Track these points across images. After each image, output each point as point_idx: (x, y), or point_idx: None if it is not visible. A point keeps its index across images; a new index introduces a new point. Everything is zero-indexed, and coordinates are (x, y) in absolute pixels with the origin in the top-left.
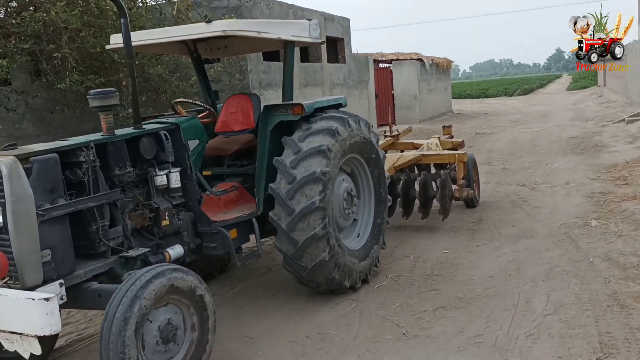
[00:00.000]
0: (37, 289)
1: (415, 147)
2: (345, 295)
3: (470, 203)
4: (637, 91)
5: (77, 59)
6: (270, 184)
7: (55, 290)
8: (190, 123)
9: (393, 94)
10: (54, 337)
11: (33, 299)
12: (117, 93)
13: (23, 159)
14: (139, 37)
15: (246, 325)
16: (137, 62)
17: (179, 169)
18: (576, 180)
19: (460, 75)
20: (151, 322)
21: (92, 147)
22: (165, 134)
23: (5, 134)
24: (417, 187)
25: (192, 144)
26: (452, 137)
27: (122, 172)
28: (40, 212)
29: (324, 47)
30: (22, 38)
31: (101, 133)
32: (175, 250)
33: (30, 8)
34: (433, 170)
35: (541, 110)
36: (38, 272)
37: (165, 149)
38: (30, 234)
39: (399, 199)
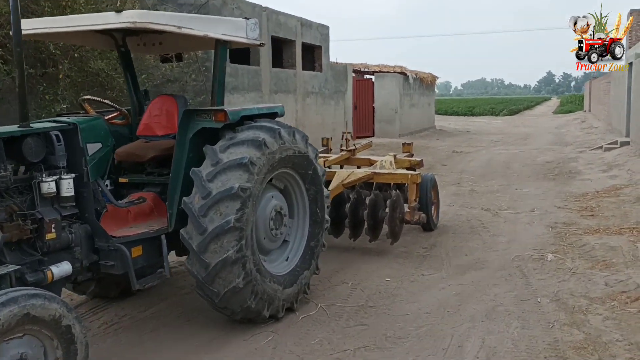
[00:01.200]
0: None
1: (372, 163)
2: (264, 325)
3: (427, 226)
4: (618, 119)
5: (7, 47)
6: (184, 198)
7: None
8: (91, 124)
9: (374, 107)
10: None
11: None
12: None
13: None
14: (41, 25)
15: (144, 356)
16: (77, 55)
17: (72, 175)
18: (542, 207)
19: (451, 92)
20: None
21: None
22: (57, 135)
23: None
24: None
25: (94, 147)
26: (411, 155)
27: None
28: None
29: (299, 54)
30: None
31: None
32: (61, 268)
33: None
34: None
35: (523, 132)
36: None
37: (56, 151)
38: None
39: (346, 219)
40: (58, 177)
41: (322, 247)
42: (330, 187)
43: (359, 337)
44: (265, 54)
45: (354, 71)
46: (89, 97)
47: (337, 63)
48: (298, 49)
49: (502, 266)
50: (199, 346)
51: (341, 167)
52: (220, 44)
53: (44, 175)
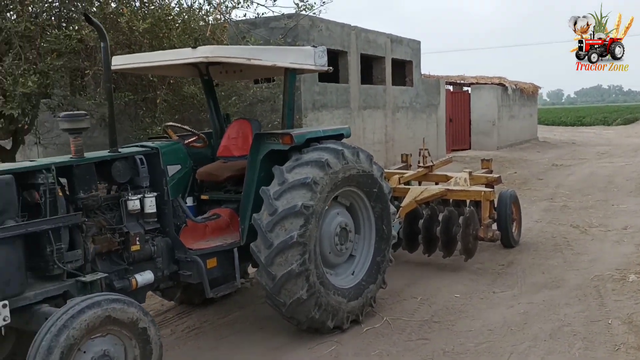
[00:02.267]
0: None
1: (449, 180)
2: (329, 335)
3: (507, 243)
4: None
5: (114, 77)
6: (254, 214)
7: None
8: (171, 148)
9: (470, 119)
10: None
11: None
12: (88, 116)
13: None
14: (131, 61)
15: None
16: (172, 81)
17: (154, 194)
18: (637, 225)
19: (563, 101)
20: (84, 352)
21: (52, 170)
22: (140, 159)
23: None
24: None
25: (174, 169)
26: (490, 171)
27: (86, 196)
28: None
29: (388, 70)
30: (58, 54)
31: (70, 155)
32: (144, 277)
33: (62, 24)
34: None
35: (635, 143)
36: None
37: (140, 173)
38: None
39: (420, 235)
40: (142, 195)
41: (388, 262)
42: (403, 204)
43: (418, 351)
44: (354, 71)
45: (450, 84)
46: (171, 124)
47: (430, 76)
48: (388, 65)
49: (579, 285)
50: (267, 352)
51: (419, 184)
52: (288, 72)
53: (130, 194)
